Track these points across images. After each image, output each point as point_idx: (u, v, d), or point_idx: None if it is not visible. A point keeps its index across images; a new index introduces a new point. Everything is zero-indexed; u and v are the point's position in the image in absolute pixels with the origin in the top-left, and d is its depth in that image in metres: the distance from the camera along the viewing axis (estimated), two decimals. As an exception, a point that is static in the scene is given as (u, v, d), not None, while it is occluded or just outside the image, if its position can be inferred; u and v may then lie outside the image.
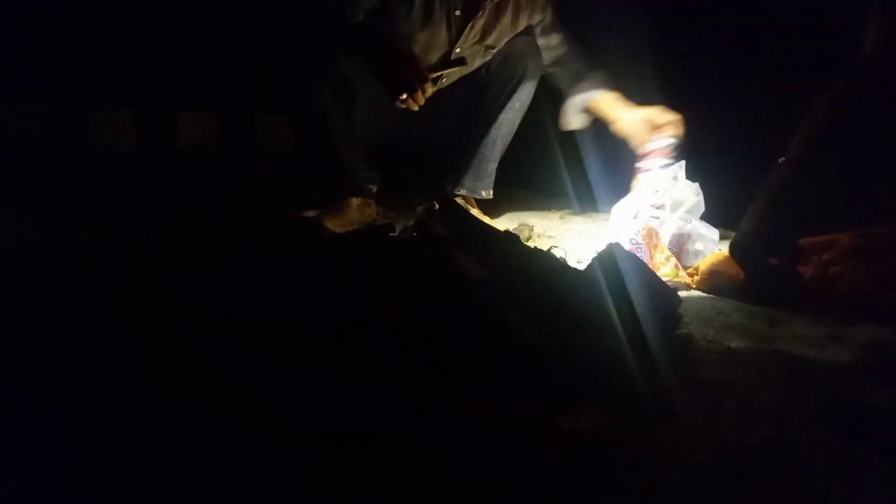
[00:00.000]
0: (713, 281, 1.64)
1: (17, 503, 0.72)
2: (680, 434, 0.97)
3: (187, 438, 0.82)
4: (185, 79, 2.62)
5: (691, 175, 1.82)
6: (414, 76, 1.76)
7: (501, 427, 0.89)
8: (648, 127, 1.92)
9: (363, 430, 0.90)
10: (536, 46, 2.04)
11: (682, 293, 1.51)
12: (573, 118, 2.09)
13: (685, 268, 1.70)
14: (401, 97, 1.77)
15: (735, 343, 1.34)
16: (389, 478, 0.82)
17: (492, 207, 2.18)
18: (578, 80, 2.07)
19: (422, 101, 1.79)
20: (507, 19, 2.01)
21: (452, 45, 1.99)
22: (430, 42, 1.97)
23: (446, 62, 1.99)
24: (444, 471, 0.84)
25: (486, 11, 1.97)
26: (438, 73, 1.94)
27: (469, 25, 1.97)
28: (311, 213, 2.00)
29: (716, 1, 2.09)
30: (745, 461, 0.90)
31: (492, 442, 0.87)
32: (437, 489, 0.80)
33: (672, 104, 1.95)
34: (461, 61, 1.97)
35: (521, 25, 2.04)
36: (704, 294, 1.63)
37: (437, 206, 1.53)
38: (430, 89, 1.80)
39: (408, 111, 1.81)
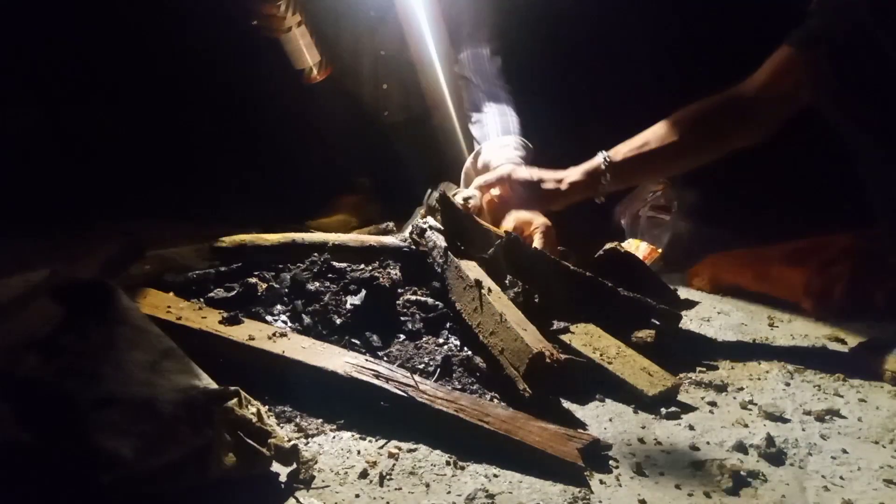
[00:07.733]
0: (714, 281, 1.64)
1: None
2: (680, 433, 0.97)
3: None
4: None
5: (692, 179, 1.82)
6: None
7: (501, 426, 0.89)
8: None
9: (362, 428, 0.91)
10: None
11: (682, 293, 1.51)
12: None
13: (687, 268, 1.70)
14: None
15: (735, 343, 1.34)
16: (388, 475, 0.82)
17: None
18: None
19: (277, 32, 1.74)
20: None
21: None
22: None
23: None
24: (443, 467, 0.84)
25: None
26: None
27: None
28: (309, 215, 2.00)
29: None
30: (745, 461, 0.90)
31: (492, 440, 0.88)
32: (435, 486, 0.80)
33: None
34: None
35: None
36: (704, 294, 1.63)
37: (437, 207, 1.53)
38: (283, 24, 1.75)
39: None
